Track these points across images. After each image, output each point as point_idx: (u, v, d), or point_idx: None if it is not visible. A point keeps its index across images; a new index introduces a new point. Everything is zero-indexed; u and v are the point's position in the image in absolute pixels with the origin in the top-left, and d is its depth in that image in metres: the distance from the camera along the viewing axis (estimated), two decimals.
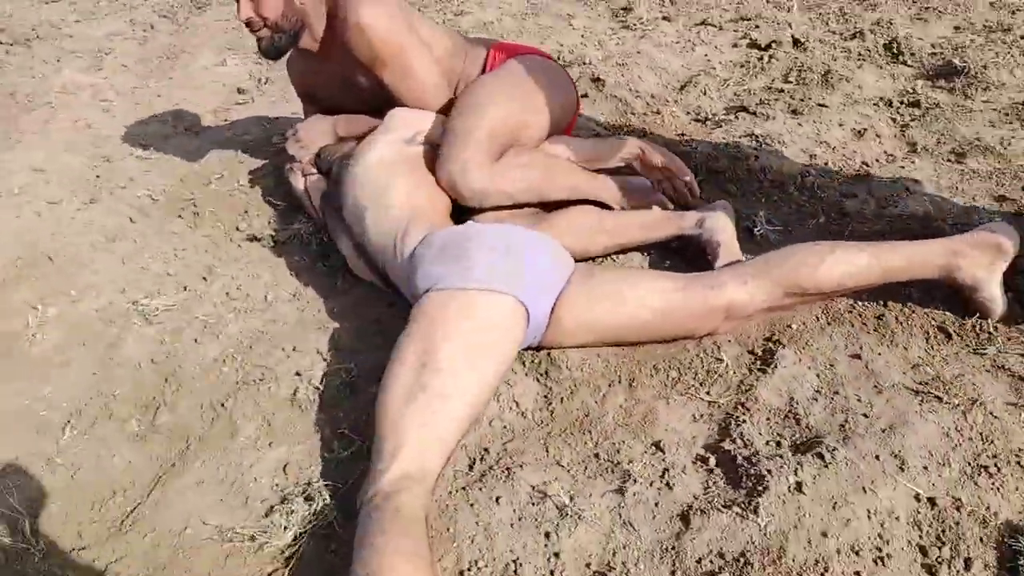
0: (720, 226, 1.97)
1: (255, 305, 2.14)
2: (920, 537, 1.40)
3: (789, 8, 3.15)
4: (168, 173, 2.70)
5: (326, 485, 1.62)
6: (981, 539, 1.38)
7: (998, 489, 1.45)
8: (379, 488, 1.45)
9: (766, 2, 3.26)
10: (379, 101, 2.21)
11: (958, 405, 1.60)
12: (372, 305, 2.09)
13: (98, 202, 2.61)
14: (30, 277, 2.30)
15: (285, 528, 1.56)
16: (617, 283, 1.76)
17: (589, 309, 1.75)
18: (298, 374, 1.91)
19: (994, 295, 1.70)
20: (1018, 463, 1.49)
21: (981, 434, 1.55)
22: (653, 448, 1.64)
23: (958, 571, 1.34)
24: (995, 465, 1.48)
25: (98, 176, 2.76)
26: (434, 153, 2.08)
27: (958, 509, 1.43)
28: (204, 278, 2.23)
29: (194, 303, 2.16)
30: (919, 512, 1.44)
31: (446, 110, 2.17)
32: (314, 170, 2.30)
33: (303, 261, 2.25)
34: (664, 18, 3.24)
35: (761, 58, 2.84)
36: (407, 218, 1.88)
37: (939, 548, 1.38)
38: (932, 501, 1.44)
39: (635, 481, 1.56)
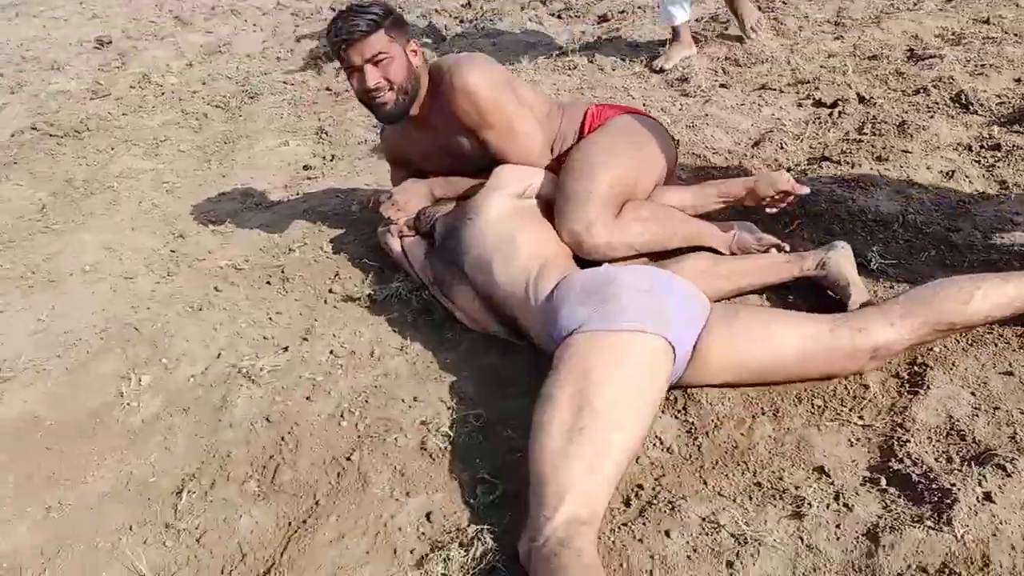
0: (844, 265, 2.00)
1: (363, 361, 2.14)
2: None
3: (844, 71, 3.29)
4: (247, 244, 2.73)
5: (484, 529, 1.57)
6: None
7: None
8: (550, 534, 1.43)
9: (820, 67, 3.41)
10: (478, 164, 2.29)
11: None
12: (485, 354, 2.09)
13: (177, 275, 2.63)
14: (116, 349, 2.30)
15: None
16: (762, 325, 1.78)
17: (733, 349, 1.76)
18: (423, 423, 1.90)
19: None
20: None
21: None
22: (817, 473, 1.63)
23: None
24: None
25: (172, 251, 2.79)
26: (547, 206, 2.15)
27: None
28: (304, 339, 2.23)
29: (298, 363, 2.15)
30: None
31: (550, 169, 2.24)
32: (410, 232, 2.33)
33: (405, 317, 2.26)
34: (722, 86, 3.38)
35: (831, 114, 2.96)
36: (537, 265, 1.92)
37: None
38: None
39: (810, 505, 1.54)
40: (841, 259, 2.02)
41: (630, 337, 1.65)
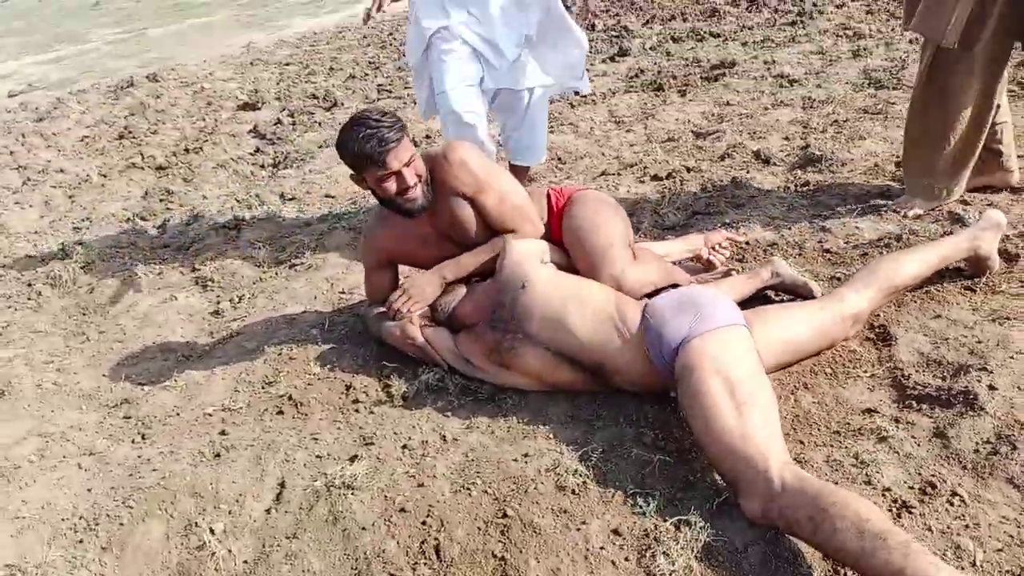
0: (789, 270, 2.66)
1: (442, 446, 2.30)
2: None
3: (655, 153, 4.14)
4: (218, 392, 2.71)
5: (678, 520, 1.89)
6: None
7: None
8: (781, 476, 1.80)
9: (634, 154, 4.22)
10: (475, 242, 2.64)
11: (1018, 319, 2.41)
12: (555, 405, 2.40)
13: (152, 436, 2.54)
14: (154, 512, 2.19)
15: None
16: (783, 317, 2.35)
17: (769, 338, 2.29)
18: (548, 470, 2.15)
19: (995, 257, 2.59)
20: None
21: None
22: (868, 413, 2.19)
23: None
24: None
25: (127, 418, 2.67)
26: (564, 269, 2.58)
27: None
28: (368, 444, 2.33)
29: (380, 464, 2.25)
30: None
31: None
32: (429, 322, 2.57)
33: (451, 403, 2.47)
34: (567, 178, 4.02)
35: (673, 183, 3.72)
36: (612, 304, 2.32)
37: None
38: None
39: (886, 430, 2.09)
40: (786, 267, 2.70)
41: (732, 329, 2.14)
